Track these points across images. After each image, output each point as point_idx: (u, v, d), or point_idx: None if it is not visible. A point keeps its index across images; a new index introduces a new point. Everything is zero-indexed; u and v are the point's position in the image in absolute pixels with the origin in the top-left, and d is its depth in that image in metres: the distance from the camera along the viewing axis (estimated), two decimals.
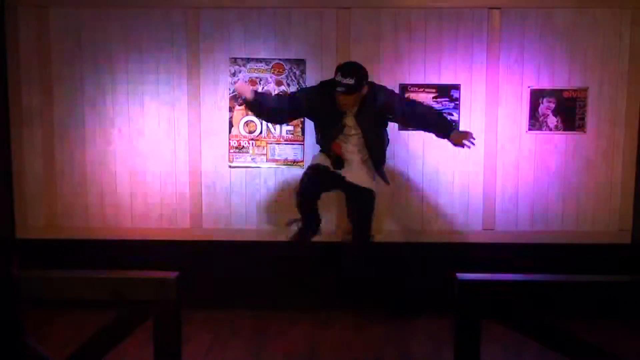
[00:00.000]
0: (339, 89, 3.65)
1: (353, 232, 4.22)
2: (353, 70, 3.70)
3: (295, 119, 4.31)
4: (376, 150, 3.97)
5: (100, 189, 4.66)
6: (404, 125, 4.41)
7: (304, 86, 4.48)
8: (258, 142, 4.60)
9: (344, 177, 3.96)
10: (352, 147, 3.92)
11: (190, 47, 4.54)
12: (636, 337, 4.15)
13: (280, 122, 4.36)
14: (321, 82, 4.02)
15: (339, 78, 3.65)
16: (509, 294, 2.35)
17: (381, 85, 3.95)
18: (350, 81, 3.63)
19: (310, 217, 4.18)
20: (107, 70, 4.57)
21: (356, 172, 3.96)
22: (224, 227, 4.67)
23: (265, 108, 3.89)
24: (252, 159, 4.61)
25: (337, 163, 3.95)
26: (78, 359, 2.31)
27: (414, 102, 4.11)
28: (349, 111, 3.82)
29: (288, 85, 4.55)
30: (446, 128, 3.85)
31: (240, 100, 4.24)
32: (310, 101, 3.88)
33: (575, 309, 4.14)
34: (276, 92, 4.53)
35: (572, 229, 4.62)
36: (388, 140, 4.12)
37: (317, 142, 4.13)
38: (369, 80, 3.82)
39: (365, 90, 3.76)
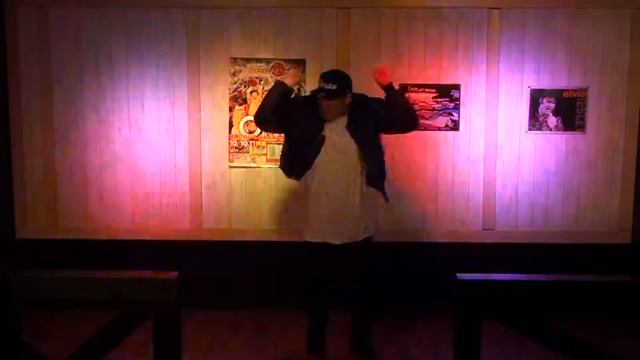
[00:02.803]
0: (320, 94, 3.56)
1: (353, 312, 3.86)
2: (336, 76, 3.60)
3: (278, 128, 3.83)
4: (374, 162, 3.69)
5: (100, 189, 4.66)
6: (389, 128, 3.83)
7: (304, 87, 4.49)
8: (258, 142, 4.60)
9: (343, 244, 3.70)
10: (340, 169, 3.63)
11: (190, 47, 4.54)
12: (636, 337, 4.15)
13: (269, 124, 3.81)
14: (311, 93, 3.78)
15: (321, 84, 3.56)
16: (509, 294, 2.35)
17: (366, 95, 3.76)
18: (332, 86, 3.52)
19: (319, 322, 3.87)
20: (107, 70, 4.57)
21: (351, 222, 3.67)
22: (224, 227, 4.67)
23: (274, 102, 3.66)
24: (252, 159, 4.61)
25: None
26: (78, 359, 2.30)
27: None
28: (332, 122, 3.62)
29: None
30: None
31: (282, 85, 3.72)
32: (297, 105, 3.73)
33: (575, 309, 4.15)
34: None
35: (572, 229, 4.62)
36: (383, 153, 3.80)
37: (285, 166, 3.79)
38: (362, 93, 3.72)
39: (349, 99, 3.61)
